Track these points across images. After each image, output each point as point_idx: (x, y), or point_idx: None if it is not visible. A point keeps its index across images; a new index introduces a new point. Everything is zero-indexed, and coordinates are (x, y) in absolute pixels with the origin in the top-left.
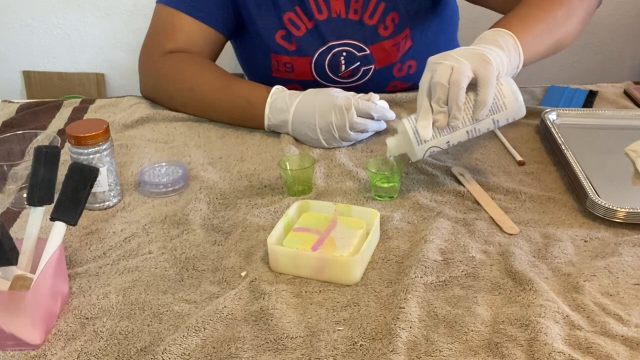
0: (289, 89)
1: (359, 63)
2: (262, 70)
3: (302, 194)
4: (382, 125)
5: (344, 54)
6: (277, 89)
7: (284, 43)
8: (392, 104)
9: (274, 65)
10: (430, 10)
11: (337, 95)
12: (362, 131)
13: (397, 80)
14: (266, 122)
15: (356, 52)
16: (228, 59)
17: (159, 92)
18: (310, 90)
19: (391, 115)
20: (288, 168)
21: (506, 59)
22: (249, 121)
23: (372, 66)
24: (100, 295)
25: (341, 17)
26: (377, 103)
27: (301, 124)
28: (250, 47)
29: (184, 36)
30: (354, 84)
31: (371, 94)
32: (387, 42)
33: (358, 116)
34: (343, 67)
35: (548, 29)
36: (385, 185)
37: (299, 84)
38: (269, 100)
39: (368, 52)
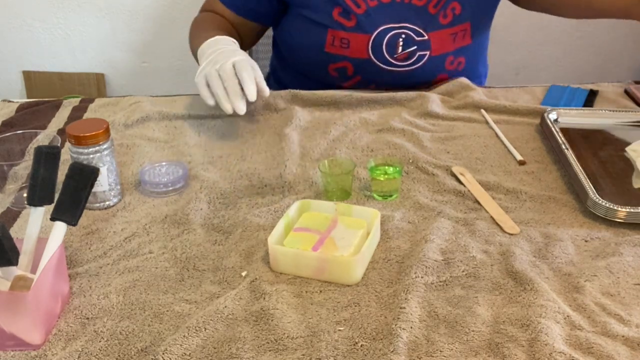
0: (340, 66)
1: (415, 47)
2: (314, 44)
3: (340, 199)
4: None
5: (403, 36)
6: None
7: (342, 19)
8: (393, 103)
9: (329, 40)
10: (489, 12)
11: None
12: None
13: (445, 72)
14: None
15: (415, 37)
16: None
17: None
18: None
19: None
20: (328, 171)
21: None
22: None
23: (428, 52)
24: (101, 295)
25: (405, 2)
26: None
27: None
28: (301, 22)
29: (222, 18)
30: (407, 68)
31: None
32: (445, 31)
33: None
34: (400, 48)
35: None
36: (382, 178)
37: (352, 62)
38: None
39: (426, 37)
